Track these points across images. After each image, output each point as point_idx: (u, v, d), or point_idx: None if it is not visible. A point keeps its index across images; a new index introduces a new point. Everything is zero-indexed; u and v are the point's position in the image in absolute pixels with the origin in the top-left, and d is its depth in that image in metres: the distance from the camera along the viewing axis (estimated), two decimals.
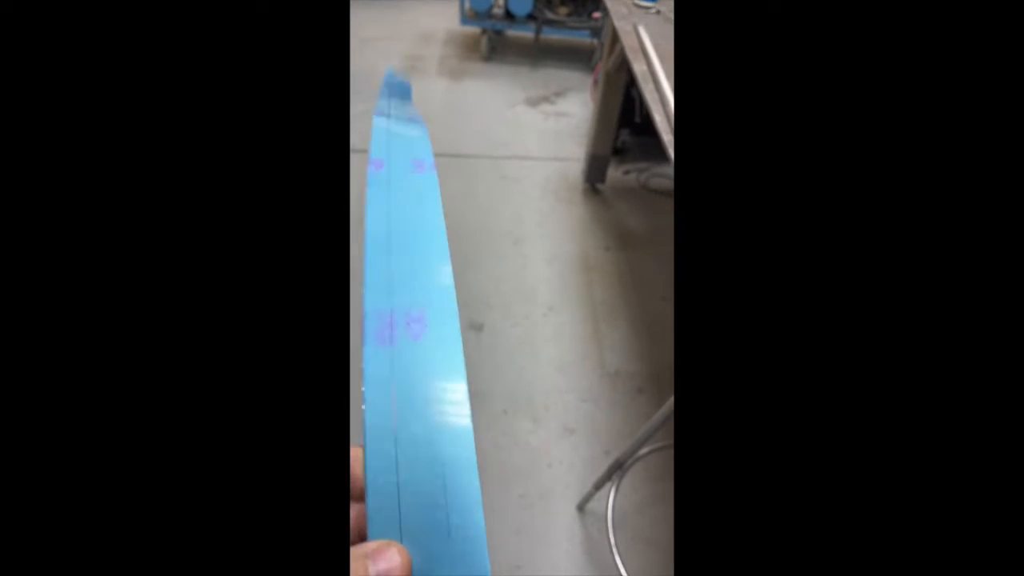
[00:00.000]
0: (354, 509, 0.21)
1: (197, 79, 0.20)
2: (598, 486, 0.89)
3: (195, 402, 0.19)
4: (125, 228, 0.20)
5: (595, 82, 1.72)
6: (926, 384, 0.19)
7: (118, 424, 0.19)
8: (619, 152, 1.80)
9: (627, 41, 1.00)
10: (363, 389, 0.21)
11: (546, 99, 2.20)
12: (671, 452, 1.02)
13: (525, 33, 2.39)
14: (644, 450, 0.97)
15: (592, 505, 0.97)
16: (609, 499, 0.89)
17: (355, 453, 0.21)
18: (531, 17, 2.30)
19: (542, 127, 2.05)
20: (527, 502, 1.02)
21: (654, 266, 1.51)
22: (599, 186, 1.75)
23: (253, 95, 0.21)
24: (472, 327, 1.33)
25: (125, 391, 0.19)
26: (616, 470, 0.83)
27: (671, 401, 0.70)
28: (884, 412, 0.19)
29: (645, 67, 0.91)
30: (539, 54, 2.47)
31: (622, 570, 0.82)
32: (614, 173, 1.79)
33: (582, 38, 2.37)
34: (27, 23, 0.19)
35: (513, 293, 1.42)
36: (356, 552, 0.18)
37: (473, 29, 2.42)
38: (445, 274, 0.25)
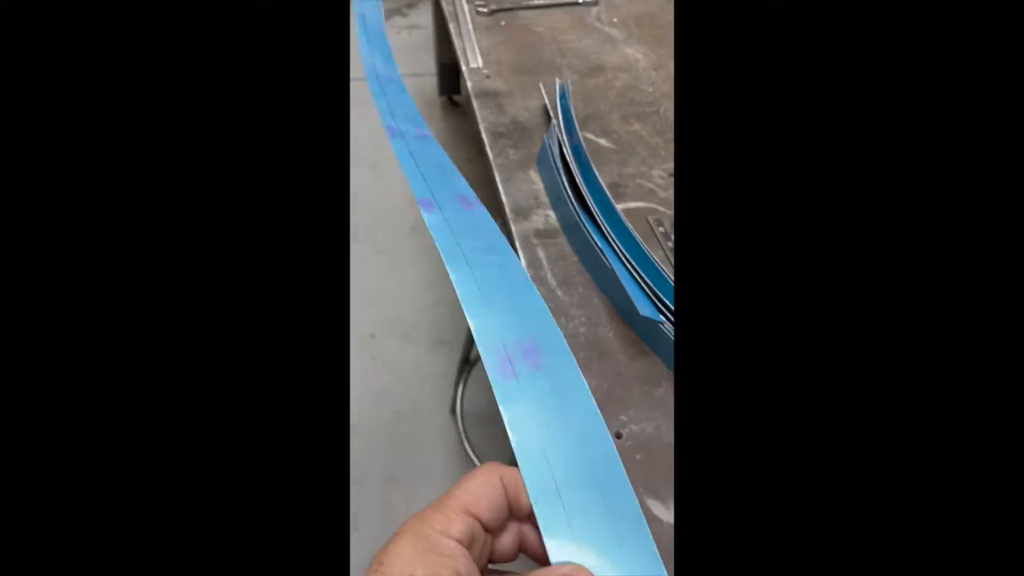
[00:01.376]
0: (529, 532, 0.22)
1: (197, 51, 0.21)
2: (455, 386, 0.90)
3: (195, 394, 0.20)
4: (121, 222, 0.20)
5: None
6: (922, 386, 0.19)
7: (117, 424, 0.19)
8: None
9: None
10: (505, 421, 0.23)
11: (397, 12, 2.06)
12: None
13: None
14: None
15: (467, 407, 0.98)
16: (458, 394, 0.91)
17: (513, 475, 0.21)
18: None
19: (394, 42, 1.92)
20: (399, 417, 1.03)
21: None
22: (456, 98, 1.68)
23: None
24: None
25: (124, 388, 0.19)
26: (464, 365, 0.85)
27: None
28: (884, 412, 0.19)
29: None
30: None
31: (473, 458, 0.86)
32: None
33: None
34: (27, 22, 0.19)
35: (375, 218, 1.37)
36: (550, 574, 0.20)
37: None
38: (536, 298, 0.28)
